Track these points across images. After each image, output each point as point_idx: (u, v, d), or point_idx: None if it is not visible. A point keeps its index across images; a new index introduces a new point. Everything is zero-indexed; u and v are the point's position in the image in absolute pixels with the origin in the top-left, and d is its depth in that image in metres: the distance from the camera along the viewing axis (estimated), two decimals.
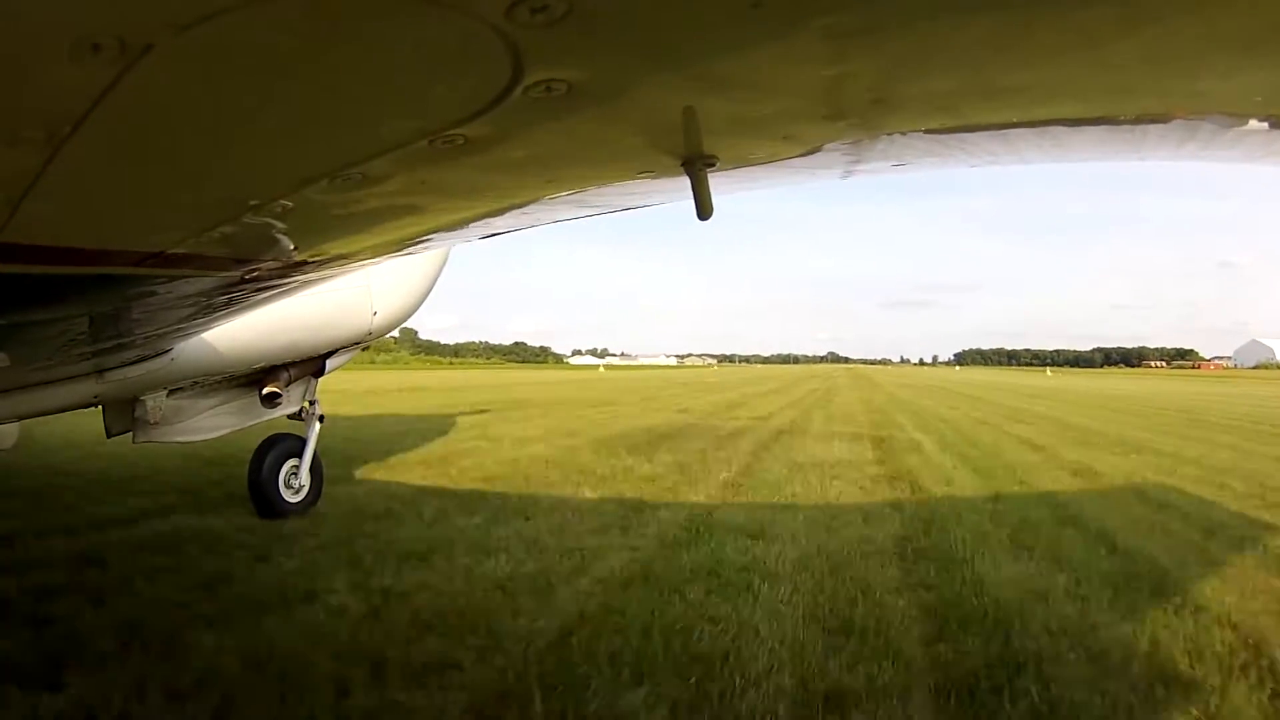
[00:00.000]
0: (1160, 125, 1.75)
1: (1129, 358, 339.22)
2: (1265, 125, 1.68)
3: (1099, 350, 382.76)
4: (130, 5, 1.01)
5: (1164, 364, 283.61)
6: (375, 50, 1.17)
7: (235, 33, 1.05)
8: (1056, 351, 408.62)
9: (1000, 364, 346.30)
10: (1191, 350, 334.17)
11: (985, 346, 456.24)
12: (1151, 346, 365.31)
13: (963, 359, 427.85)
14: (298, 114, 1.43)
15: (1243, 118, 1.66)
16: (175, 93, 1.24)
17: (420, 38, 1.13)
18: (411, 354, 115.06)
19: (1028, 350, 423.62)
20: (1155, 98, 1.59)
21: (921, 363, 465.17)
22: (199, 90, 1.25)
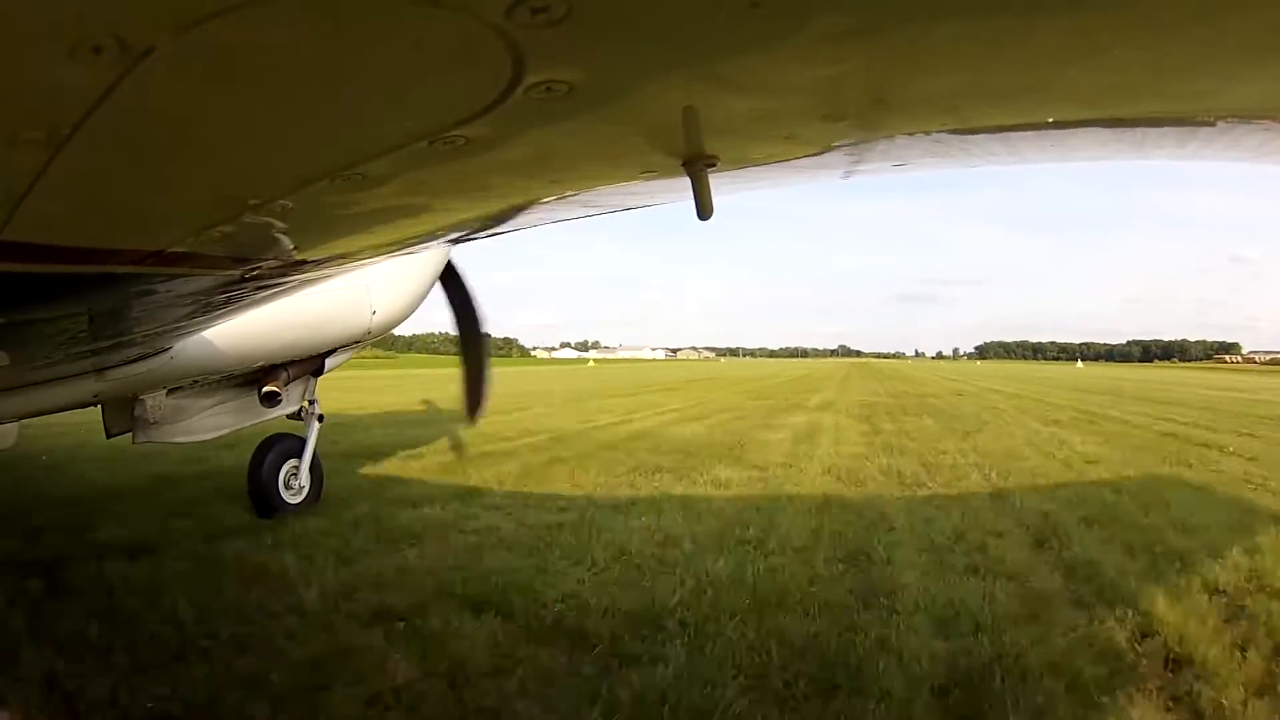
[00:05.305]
0: (1161, 126, 1.75)
1: (1170, 351, 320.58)
2: (1266, 126, 1.67)
3: (1135, 343, 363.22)
4: (131, 5, 1.00)
5: (1237, 359, 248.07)
6: (375, 50, 1.17)
7: (236, 33, 1.05)
8: (1085, 344, 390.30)
9: (1025, 358, 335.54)
10: (1235, 344, 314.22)
11: (1008, 339, 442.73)
12: (1193, 339, 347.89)
13: (984, 352, 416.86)
14: (298, 114, 1.42)
15: (1244, 119, 1.66)
16: (176, 93, 1.24)
17: (420, 38, 1.13)
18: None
19: (1054, 343, 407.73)
20: (1156, 99, 1.58)
21: (940, 356, 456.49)
22: (200, 90, 1.25)
